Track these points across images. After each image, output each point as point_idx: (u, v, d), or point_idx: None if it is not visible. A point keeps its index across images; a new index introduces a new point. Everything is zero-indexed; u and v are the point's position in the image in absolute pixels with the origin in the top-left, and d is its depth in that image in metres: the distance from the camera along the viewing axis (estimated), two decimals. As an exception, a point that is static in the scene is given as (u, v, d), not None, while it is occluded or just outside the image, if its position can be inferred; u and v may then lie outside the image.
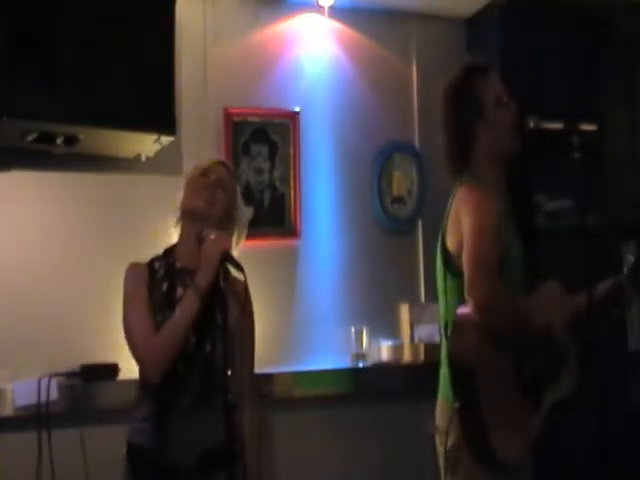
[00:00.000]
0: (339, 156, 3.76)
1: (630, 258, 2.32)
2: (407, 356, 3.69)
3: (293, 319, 3.59)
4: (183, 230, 2.39)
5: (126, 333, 2.26)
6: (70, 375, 3.05)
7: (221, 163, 2.49)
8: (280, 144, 3.64)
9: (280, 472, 3.39)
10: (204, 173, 2.39)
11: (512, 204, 2.45)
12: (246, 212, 2.64)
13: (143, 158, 3.23)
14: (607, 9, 3.79)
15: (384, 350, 3.70)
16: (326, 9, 3.70)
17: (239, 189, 2.51)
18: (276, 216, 3.61)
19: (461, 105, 2.36)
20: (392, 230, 3.83)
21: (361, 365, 3.60)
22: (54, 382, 3.03)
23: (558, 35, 3.75)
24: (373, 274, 3.74)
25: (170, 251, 2.38)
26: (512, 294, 2.20)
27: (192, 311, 2.19)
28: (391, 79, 3.90)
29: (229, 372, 2.20)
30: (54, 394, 3.03)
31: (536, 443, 2.21)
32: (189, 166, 3.40)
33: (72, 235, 3.25)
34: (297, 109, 3.67)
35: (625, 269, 2.34)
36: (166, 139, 3.11)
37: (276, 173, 3.63)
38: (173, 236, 2.48)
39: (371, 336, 3.64)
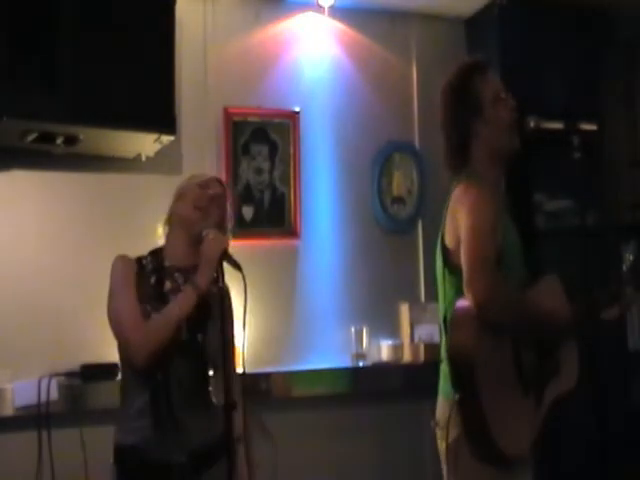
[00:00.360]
0: (339, 156, 3.76)
1: (629, 257, 2.32)
2: (407, 356, 3.70)
3: (293, 319, 3.59)
4: (171, 234, 2.38)
5: (114, 317, 2.25)
6: (70, 375, 3.05)
7: (218, 180, 2.47)
8: (280, 144, 3.64)
9: (280, 472, 3.39)
10: (203, 186, 2.38)
11: (512, 204, 2.45)
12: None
13: (143, 158, 3.23)
14: (607, 9, 3.79)
15: (384, 350, 3.70)
16: (326, 9, 3.70)
17: (230, 210, 2.48)
18: (276, 216, 3.61)
19: (460, 103, 2.36)
20: (392, 230, 3.84)
21: (361, 365, 3.60)
22: (54, 382, 3.03)
23: (558, 35, 3.76)
24: (373, 274, 3.74)
25: (157, 252, 2.37)
26: (510, 289, 2.21)
27: (188, 307, 2.20)
28: (391, 79, 3.90)
29: (211, 372, 2.26)
30: (54, 394, 3.03)
31: (537, 440, 2.21)
32: (189, 166, 3.44)
33: (72, 235, 3.25)
34: (297, 109, 3.67)
35: (624, 268, 2.34)
36: (166, 139, 3.11)
37: (276, 173, 3.63)
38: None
39: (371, 336, 3.64)
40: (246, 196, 3.58)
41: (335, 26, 3.79)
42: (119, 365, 2.36)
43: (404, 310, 3.75)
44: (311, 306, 3.62)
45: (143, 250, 2.40)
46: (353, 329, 3.61)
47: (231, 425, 2.06)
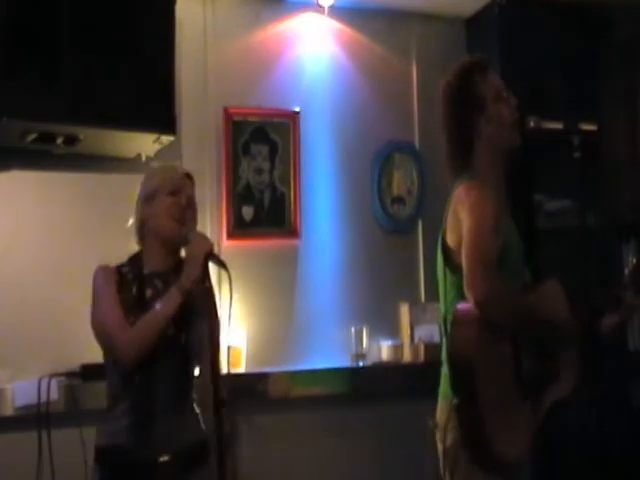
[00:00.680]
0: (339, 156, 3.76)
1: (632, 260, 2.32)
2: (407, 356, 3.70)
3: (293, 319, 3.59)
4: (147, 241, 2.36)
5: (98, 324, 2.25)
6: (70, 375, 3.05)
7: (188, 177, 2.41)
8: (280, 144, 3.64)
9: (280, 472, 3.39)
10: (175, 191, 2.33)
11: (512, 204, 2.45)
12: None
13: (143, 158, 3.23)
14: (607, 9, 3.79)
15: (384, 350, 3.70)
16: (326, 9, 3.70)
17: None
18: (276, 216, 3.61)
19: (461, 102, 2.35)
20: (392, 230, 3.83)
21: (361, 365, 3.60)
22: (54, 382, 3.03)
23: (558, 35, 3.75)
24: (373, 274, 3.74)
25: (135, 259, 2.35)
26: (512, 289, 2.20)
27: (173, 306, 2.20)
28: (391, 79, 3.90)
29: (197, 371, 2.28)
30: (54, 394, 3.03)
31: (536, 442, 2.21)
32: (189, 166, 3.41)
33: (72, 235, 3.25)
34: (297, 109, 3.67)
35: (626, 271, 2.33)
36: (166, 139, 3.12)
37: (276, 173, 3.63)
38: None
39: (371, 336, 3.64)
40: (246, 196, 3.57)
41: (335, 26, 3.79)
42: (105, 369, 2.35)
43: (404, 310, 3.75)
44: (311, 306, 3.62)
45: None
46: (353, 329, 3.61)
47: (222, 423, 2.07)
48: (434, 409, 2.36)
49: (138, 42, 2.99)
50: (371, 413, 3.58)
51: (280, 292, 3.59)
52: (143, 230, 2.36)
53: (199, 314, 2.29)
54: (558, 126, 3.78)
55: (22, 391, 3.02)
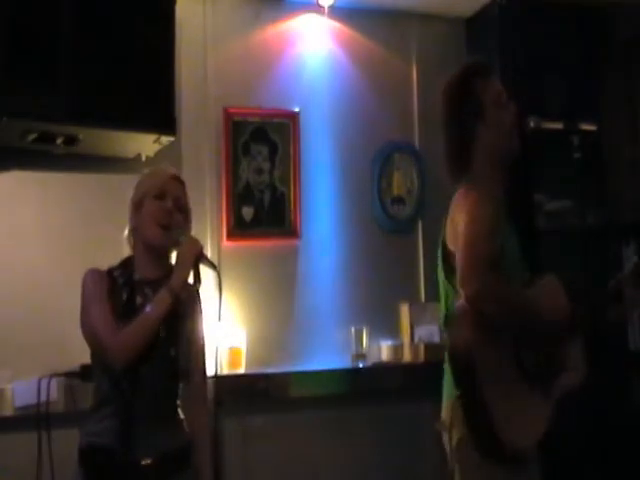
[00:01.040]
0: (339, 156, 3.76)
1: (634, 257, 2.32)
2: (407, 356, 3.69)
3: (293, 319, 3.59)
4: (137, 247, 2.34)
5: (88, 328, 2.24)
6: (70, 375, 3.05)
7: (175, 178, 2.38)
8: (280, 144, 3.64)
9: (280, 472, 3.39)
10: (160, 195, 2.31)
11: (512, 204, 2.45)
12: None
13: (143, 158, 3.23)
14: (607, 9, 3.79)
15: (384, 350, 3.70)
16: (326, 9, 3.70)
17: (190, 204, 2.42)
18: (276, 216, 3.61)
19: (461, 106, 2.35)
20: (392, 230, 3.83)
21: (361, 365, 3.60)
22: (54, 382, 3.03)
23: (558, 35, 3.75)
24: (373, 274, 3.74)
25: (127, 263, 2.34)
26: (507, 287, 2.21)
27: (163, 309, 2.19)
28: (391, 79, 3.90)
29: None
30: (54, 394, 3.03)
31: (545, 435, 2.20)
32: (189, 166, 3.44)
33: (72, 235, 3.25)
34: (297, 109, 3.67)
35: (626, 269, 2.33)
36: (166, 139, 3.11)
37: (276, 173, 3.63)
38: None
39: (371, 336, 3.64)
40: (246, 196, 3.57)
41: (335, 26, 3.79)
42: (93, 364, 2.34)
43: (404, 310, 3.75)
44: (311, 306, 3.62)
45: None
46: (353, 329, 3.61)
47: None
48: (434, 409, 2.36)
49: (138, 42, 2.99)
50: (371, 413, 3.58)
51: (280, 292, 3.59)
52: (134, 239, 2.35)
53: (186, 317, 2.30)
54: (558, 126, 3.79)
55: (22, 391, 3.02)
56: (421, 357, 3.63)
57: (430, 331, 3.69)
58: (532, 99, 3.47)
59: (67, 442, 2.91)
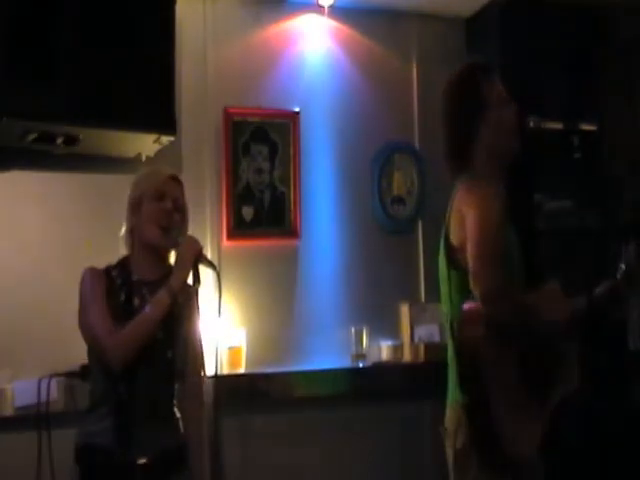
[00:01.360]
0: (339, 156, 3.76)
1: (630, 254, 2.31)
2: (407, 356, 3.69)
3: (293, 319, 3.59)
4: (135, 248, 2.34)
5: (87, 328, 2.24)
6: (70, 375, 3.05)
7: (174, 178, 2.38)
8: (280, 144, 3.64)
9: (280, 472, 3.39)
10: (159, 196, 2.31)
11: (512, 204, 2.45)
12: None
13: (143, 158, 3.23)
14: (607, 9, 3.79)
15: (384, 350, 3.70)
16: (326, 9, 3.70)
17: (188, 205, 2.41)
18: (276, 216, 3.61)
19: (463, 104, 2.35)
20: (392, 230, 3.83)
21: (361, 365, 3.60)
22: (54, 382, 3.03)
23: (558, 35, 3.75)
24: (373, 274, 3.74)
25: (125, 263, 2.34)
26: (515, 288, 2.21)
27: (162, 308, 2.19)
28: (391, 79, 3.90)
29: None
30: (54, 394, 3.03)
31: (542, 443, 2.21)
32: (189, 166, 3.44)
33: (72, 235, 3.25)
34: (297, 109, 3.67)
35: (623, 266, 2.33)
36: (166, 139, 3.11)
37: (276, 173, 3.63)
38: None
39: (371, 336, 3.64)
40: (246, 196, 3.57)
41: (335, 26, 3.79)
42: (90, 363, 2.34)
43: (404, 310, 3.75)
44: (311, 306, 3.62)
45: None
46: (353, 329, 3.61)
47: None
48: (434, 409, 2.36)
49: (138, 42, 2.99)
50: (371, 413, 3.58)
51: (280, 292, 3.59)
52: (132, 239, 2.34)
53: (183, 318, 2.30)
54: (558, 126, 3.79)
55: (22, 391, 3.02)
56: (421, 357, 3.63)
57: (430, 331, 3.69)
58: (532, 99, 3.46)
59: (67, 442, 2.91)
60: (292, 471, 3.41)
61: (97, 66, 2.90)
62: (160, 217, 2.29)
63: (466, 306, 2.18)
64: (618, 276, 2.31)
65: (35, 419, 2.97)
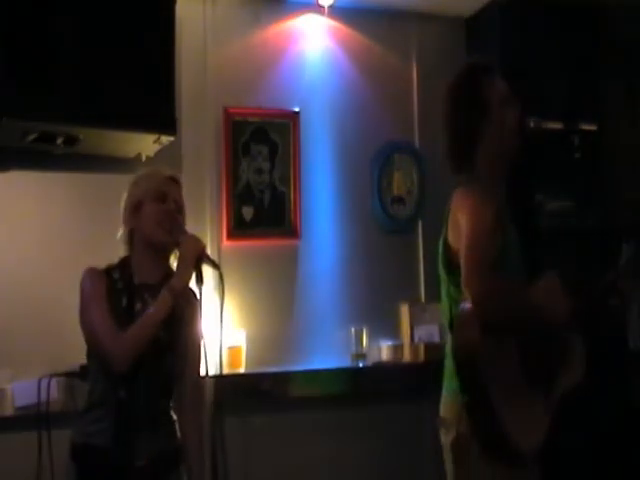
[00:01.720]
0: (339, 156, 3.76)
1: (628, 252, 2.32)
2: (407, 356, 3.69)
3: (293, 319, 3.59)
4: (136, 250, 2.33)
5: (88, 329, 2.24)
6: (70, 375, 3.05)
7: (173, 179, 2.39)
8: (280, 144, 3.64)
9: (280, 472, 3.39)
10: (161, 197, 2.31)
11: (512, 204, 2.45)
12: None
13: (143, 158, 3.23)
14: (607, 9, 3.79)
15: (384, 350, 3.70)
16: (326, 9, 3.70)
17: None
18: (276, 216, 3.61)
19: (466, 104, 2.35)
20: (392, 230, 3.83)
21: (361, 365, 3.60)
22: (54, 382, 3.03)
23: (558, 35, 3.75)
24: (373, 274, 3.74)
25: (126, 264, 2.32)
26: (511, 288, 2.21)
27: (165, 309, 2.19)
28: (391, 79, 3.90)
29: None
30: (54, 394, 3.03)
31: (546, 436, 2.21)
32: (189, 166, 3.44)
33: (72, 235, 3.25)
34: (297, 109, 3.67)
35: (622, 262, 2.34)
36: (166, 139, 3.11)
37: (276, 173, 3.63)
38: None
39: (371, 336, 3.64)
40: (246, 196, 3.57)
41: (335, 26, 3.79)
42: (90, 364, 2.34)
43: (404, 310, 3.75)
44: (311, 306, 3.62)
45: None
46: (353, 329, 3.61)
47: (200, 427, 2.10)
48: (434, 409, 2.36)
49: (138, 42, 2.99)
50: (371, 413, 3.58)
51: (280, 292, 3.59)
52: (132, 240, 2.33)
53: (183, 319, 2.29)
54: (558, 126, 3.79)
55: (22, 391, 3.02)
56: (421, 357, 3.63)
57: (430, 331, 3.69)
58: (532, 99, 3.46)
59: (67, 442, 2.91)
60: (292, 471, 3.41)
61: (97, 66, 2.89)
62: (163, 218, 2.28)
63: (464, 306, 2.18)
64: (621, 263, 2.32)
65: (35, 419, 2.97)
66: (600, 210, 3.72)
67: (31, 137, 2.90)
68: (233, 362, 3.37)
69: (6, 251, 3.16)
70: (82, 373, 3.04)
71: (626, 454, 3.48)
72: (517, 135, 2.37)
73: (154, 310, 2.19)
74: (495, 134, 2.33)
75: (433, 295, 3.55)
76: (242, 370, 3.41)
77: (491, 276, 2.11)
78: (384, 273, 3.76)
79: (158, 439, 2.24)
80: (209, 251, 3.28)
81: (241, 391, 3.31)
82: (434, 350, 3.54)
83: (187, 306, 2.31)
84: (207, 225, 3.46)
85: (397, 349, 3.69)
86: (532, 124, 3.63)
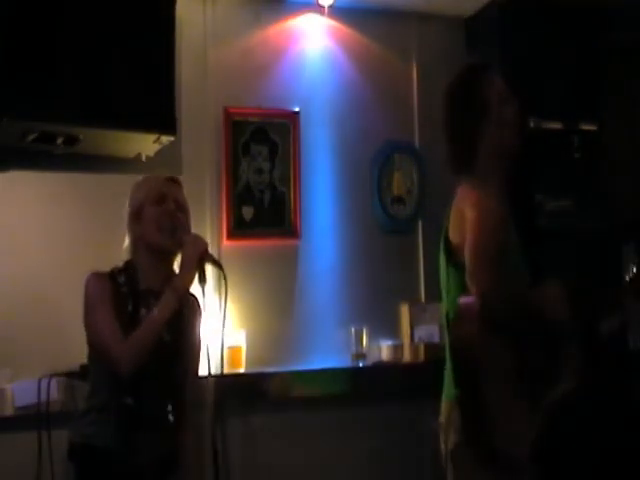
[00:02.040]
0: (339, 156, 3.76)
1: (632, 268, 2.32)
2: (407, 356, 3.69)
3: (293, 319, 3.59)
4: (140, 256, 2.32)
5: (93, 332, 2.24)
6: (70, 375, 3.05)
7: (172, 180, 2.39)
8: (280, 144, 3.64)
9: (280, 472, 3.39)
10: (160, 199, 2.30)
11: (512, 204, 2.45)
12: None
13: (143, 158, 3.23)
14: (607, 9, 3.79)
15: (384, 350, 3.70)
16: (326, 9, 3.70)
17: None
18: (276, 216, 3.61)
19: (465, 104, 2.36)
20: (392, 230, 3.83)
21: (361, 365, 3.60)
22: (54, 382, 3.03)
23: (558, 35, 3.75)
24: (373, 274, 3.74)
25: (130, 270, 2.31)
26: (513, 285, 2.21)
27: (169, 311, 2.19)
28: (391, 79, 3.90)
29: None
30: (54, 394, 3.03)
31: (534, 441, 2.21)
32: (189, 166, 3.44)
33: (72, 235, 3.25)
34: (297, 109, 3.67)
35: (627, 277, 2.34)
36: (166, 139, 3.11)
37: (276, 173, 3.63)
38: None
39: (371, 336, 3.64)
40: (246, 196, 3.57)
41: (335, 26, 3.79)
42: (91, 366, 2.34)
43: (404, 310, 3.75)
44: (311, 306, 3.62)
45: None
46: (353, 329, 3.60)
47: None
48: (435, 409, 2.36)
49: (138, 42, 2.99)
50: (371, 413, 3.58)
51: (280, 292, 3.59)
52: (137, 247, 2.33)
53: (187, 319, 2.29)
54: (558, 126, 3.79)
55: (22, 391, 3.02)
56: (421, 357, 3.63)
57: (430, 331, 3.69)
58: (532, 99, 3.46)
59: (67, 442, 2.92)
60: (292, 471, 3.41)
61: (97, 66, 2.89)
62: (163, 219, 2.28)
63: (462, 300, 2.18)
64: (627, 278, 2.32)
65: (35, 419, 2.97)
66: (600, 210, 3.72)
67: (31, 137, 2.90)
68: (233, 362, 3.37)
69: (6, 251, 3.16)
70: (82, 373, 3.04)
71: (626, 454, 3.48)
72: (517, 135, 2.37)
73: (158, 312, 2.19)
74: (494, 134, 2.33)
75: (433, 295, 3.55)
76: (242, 370, 3.41)
77: (496, 267, 2.10)
78: (384, 273, 3.76)
79: (161, 440, 2.25)
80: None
81: (241, 391, 3.31)
82: (434, 350, 3.54)
83: (186, 306, 2.31)
84: (207, 225, 3.46)
85: (397, 349, 3.69)
86: (532, 124, 3.62)
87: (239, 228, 3.54)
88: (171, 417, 2.30)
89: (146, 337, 2.17)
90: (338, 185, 3.75)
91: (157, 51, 3.06)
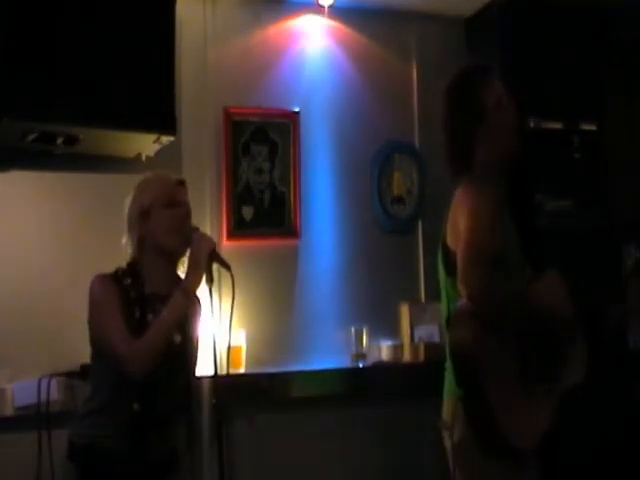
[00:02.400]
0: (339, 156, 3.76)
1: (635, 254, 2.33)
2: (407, 356, 3.69)
3: (293, 319, 3.59)
4: (147, 258, 2.31)
5: (101, 334, 2.22)
6: (70, 375, 3.05)
7: (181, 184, 2.38)
8: (280, 144, 3.64)
9: (280, 472, 3.39)
10: (171, 203, 2.30)
11: (512, 204, 2.46)
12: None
13: (143, 158, 3.23)
14: (607, 9, 3.79)
15: (384, 350, 3.70)
16: (326, 9, 3.70)
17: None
18: (276, 216, 3.61)
19: (462, 107, 2.36)
20: (392, 230, 3.83)
21: (361, 365, 3.60)
22: (54, 382, 3.03)
23: (558, 35, 3.75)
24: (373, 274, 3.74)
25: (135, 272, 2.29)
26: (507, 286, 2.21)
27: (179, 312, 2.20)
28: (391, 79, 3.90)
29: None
30: (54, 394, 3.03)
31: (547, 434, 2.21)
32: (189, 166, 3.44)
33: (72, 235, 3.25)
34: (297, 109, 3.67)
35: (629, 263, 2.34)
36: (166, 139, 3.11)
37: (276, 173, 3.63)
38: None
39: (371, 336, 3.64)
40: (246, 196, 3.57)
41: (335, 26, 3.79)
42: (93, 367, 2.34)
43: (404, 310, 3.75)
44: (311, 306, 3.62)
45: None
46: (353, 329, 3.61)
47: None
48: (434, 409, 2.36)
49: (138, 42, 2.99)
50: (371, 413, 3.58)
51: (280, 292, 3.59)
52: (142, 247, 2.31)
53: (189, 320, 2.29)
54: (558, 126, 3.79)
55: (22, 391, 3.02)
56: (421, 357, 3.63)
57: (430, 331, 3.69)
58: (532, 99, 3.46)
59: (67, 442, 2.91)
60: (292, 471, 3.41)
61: (97, 66, 2.89)
62: (176, 224, 2.28)
63: (460, 304, 2.19)
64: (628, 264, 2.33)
65: (35, 419, 2.97)
66: (600, 210, 3.72)
67: (31, 137, 2.90)
68: (233, 362, 3.37)
69: (6, 251, 3.16)
70: (82, 373, 3.05)
71: (626, 454, 3.48)
72: (515, 137, 2.37)
73: (168, 313, 2.18)
74: (492, 136, 2.34)
75: (433, 295, 3.56)
76: (242, 370, 3.40)
77: (487, 272, 2.11)
78: (384, 273, 3.76)
79: (165, 440, 2.25)
80: (209, 251, 3.31)
81: (241, 391, 3.31)
82: (434, 350, 3.54)
83: (193, 310, 2.31)
84: (207, 225, 3.45)
85: (397, 349, 3.69)
86: (532, 124, 3.62)
87: (239, 228, 3.54)
88: (174, 417, 2.30)
89: (157, 339, 2.16)
90: (338, 185, 3.75)
91: (157, 51, 3.06)
